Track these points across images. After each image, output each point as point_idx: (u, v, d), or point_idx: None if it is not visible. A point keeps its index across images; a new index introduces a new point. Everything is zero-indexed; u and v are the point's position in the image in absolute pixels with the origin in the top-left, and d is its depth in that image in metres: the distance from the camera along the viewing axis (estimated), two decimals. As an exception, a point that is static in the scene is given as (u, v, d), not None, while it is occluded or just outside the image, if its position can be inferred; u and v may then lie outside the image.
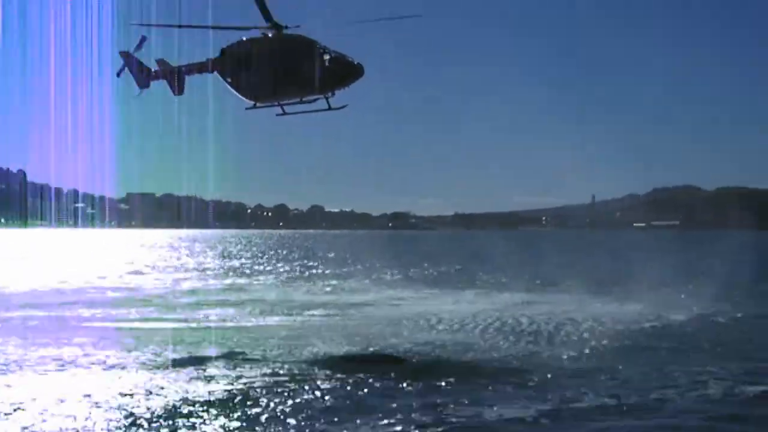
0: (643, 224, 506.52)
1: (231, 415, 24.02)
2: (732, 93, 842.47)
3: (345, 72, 32.36)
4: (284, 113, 33.86)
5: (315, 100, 33.05)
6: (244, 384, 27.97)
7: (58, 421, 23.00)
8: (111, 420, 23.25)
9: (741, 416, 24.63)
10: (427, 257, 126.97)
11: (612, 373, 30.26)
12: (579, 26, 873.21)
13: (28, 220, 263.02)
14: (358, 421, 23.39)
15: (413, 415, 23.94)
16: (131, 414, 23.89)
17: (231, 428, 22.88)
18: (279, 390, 27.07)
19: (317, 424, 23.19)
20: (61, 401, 25.13)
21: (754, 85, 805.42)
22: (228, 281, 79.87)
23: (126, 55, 34.96)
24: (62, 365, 31.34)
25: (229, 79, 33.82)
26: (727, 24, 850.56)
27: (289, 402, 25.56)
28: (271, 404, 25.26)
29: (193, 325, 43.94)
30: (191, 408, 24.67)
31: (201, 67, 34.67)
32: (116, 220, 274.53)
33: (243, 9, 32.97)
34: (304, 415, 24.09)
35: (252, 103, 33.95)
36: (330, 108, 33.05)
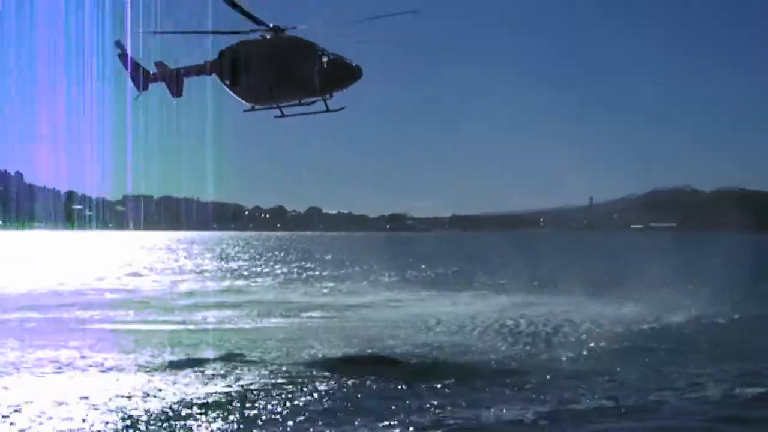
0: (640, 226, 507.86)
1: (229, 417, 24.00)
2: (731, 94, 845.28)
3: (343, 74, 32.31)
4: (282, 115, 33.80)
5: (313, 102, 33.00)
6: (242, 386, 27.95)
7: (56, 423, 22.96)
8: (109, 422, 23.23)
9: (740, 418, 24.63)
10: (424, 259, 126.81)
11: (610, 374, 30.25)
12: (579, 26, 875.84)
13: (26, 222, 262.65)
14: (355, 423, 23.37)
15: (411, 417, 23.92)
16: (129, 416, 23.87)
17: (229, 430, 22.87)
18: (277, 392, 27.06)
19: (315, 426, 23.17)
20: (59, 403, 25.08)
21: (754, 86, 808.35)
22: (226, 283, 79.72)
23: (121, 47, 35.02)
24: (60, 367, 31.28)
25: (227, 82, 33.75)
26: (727, 24, 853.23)
27: (287, 404, 25.55)
28: (269, 406, 25.25)
29: (191, 327, 43.89)
30: (189, 410, 24.65)
31: (199, 70, 34.64)
32: (114, 222, 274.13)
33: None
34: (301, 417, 24.07)
35: (250, 105, 33.90)
36: (328, 110, 32.99)
